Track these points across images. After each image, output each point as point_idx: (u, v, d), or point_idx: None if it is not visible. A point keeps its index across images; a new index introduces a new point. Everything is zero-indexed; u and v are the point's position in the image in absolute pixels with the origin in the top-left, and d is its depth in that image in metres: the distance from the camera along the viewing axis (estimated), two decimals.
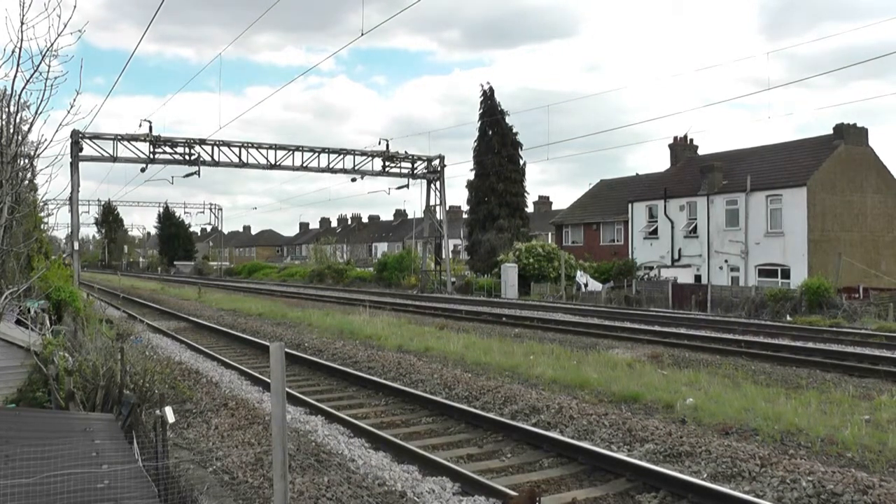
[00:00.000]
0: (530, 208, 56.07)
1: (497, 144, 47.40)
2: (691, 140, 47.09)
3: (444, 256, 45.35)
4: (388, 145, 41.33)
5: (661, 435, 8.52)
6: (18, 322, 10.93)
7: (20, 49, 8.51)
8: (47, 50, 8.54)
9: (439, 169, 43.57)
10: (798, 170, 37.23)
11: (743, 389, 11.25)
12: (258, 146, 38.61)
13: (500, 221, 46.82)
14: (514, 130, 48.21)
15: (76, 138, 33.18)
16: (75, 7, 8.27)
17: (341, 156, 40.35)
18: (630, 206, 45.88)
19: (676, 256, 42.12)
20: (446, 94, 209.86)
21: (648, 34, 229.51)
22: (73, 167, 33.67)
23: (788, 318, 24.64)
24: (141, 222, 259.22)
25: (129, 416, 7.19)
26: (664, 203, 42.95)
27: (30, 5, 8.35)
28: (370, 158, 41.05)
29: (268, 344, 6.10)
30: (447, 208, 47.03)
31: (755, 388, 11.37)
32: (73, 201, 34.78)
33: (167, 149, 36.33)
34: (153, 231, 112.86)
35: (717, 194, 39.76)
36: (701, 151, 46.88)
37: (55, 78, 8.83)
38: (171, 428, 7.66)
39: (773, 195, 37.33)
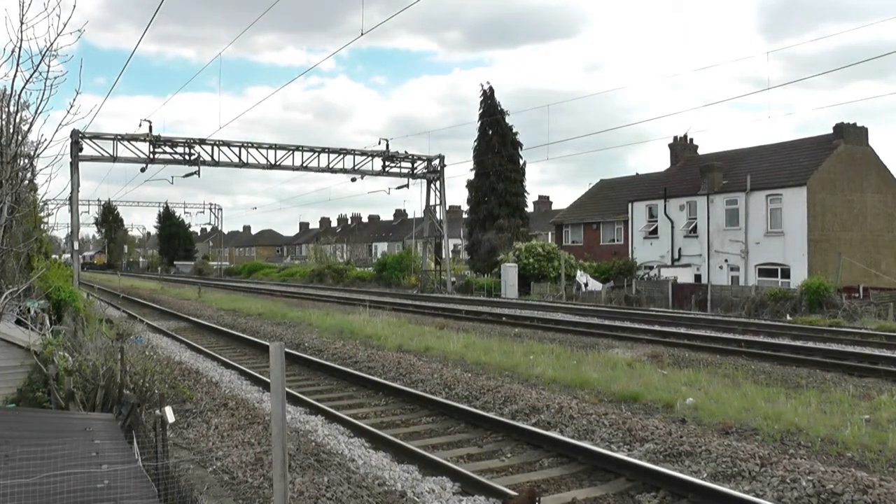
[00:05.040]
0: (530, 208, 56.07)
1: (497, 144, 47.39)
2: (691, 140, 47.15)
3: (444, 256, 45.32)
4: (388, 145, 41.33)
5: (661, 434, 8.52)
6: (18, 322, 10.92)
7: (20, 49, 8.53)
8: (47, 50, 8.57)
9: (439, 169, 43.55)
10: (798, 169, 37.23)
11: (743, 389, 11.24)
12: (258, 146, 38.59)
13: (500, 221, 46.81)
14: (514, 130, 48.23)
15: (76, 138, 33.15)
16: (75, 7, 8.30)
17: (341, 156, 40.33)
18: (630, 205, 45.87)
19: (676, 256, 42.11)
20: (446, 94, 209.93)
21: (648, 34, 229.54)
22: (73, 167, 33.64)
23: (788, 317, 24.62)
24: (141, 222, 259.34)
25: (129, 416, 7.18)
26: (664, 203, 42.94)
27: (30, 5, 8.38)
28: (370, 158, 41.03)
29: (267, 344, 6.10)
30: (447, 208, 46.98)
31: (755, 388, 11.37)
32: (73, 201, 34.76)
33: (167, 149, 36.29)
34: (153, 231, 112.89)
35: (717, 194, 39.76)
36: (701, 151, 46.92)
37: (55, 78, 8.86)
38: (171, 428, 7.66)
39: (772, 195, 37.32)
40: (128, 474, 4.79)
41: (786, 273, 36.06)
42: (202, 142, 36.82)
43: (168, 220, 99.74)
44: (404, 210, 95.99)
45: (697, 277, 39.62)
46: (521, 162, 48.74)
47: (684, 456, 7.87)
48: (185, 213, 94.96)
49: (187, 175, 38.42)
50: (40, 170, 12.55)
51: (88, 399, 8.14)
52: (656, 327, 21.44)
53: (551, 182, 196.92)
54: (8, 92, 9.81)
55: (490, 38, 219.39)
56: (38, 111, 9.32)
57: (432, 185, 43.86)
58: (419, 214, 51.41)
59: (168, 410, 6.19)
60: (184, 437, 9.01)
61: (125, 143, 35.22)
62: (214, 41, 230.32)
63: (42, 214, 18.08)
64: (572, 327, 21.81)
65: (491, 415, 9.87)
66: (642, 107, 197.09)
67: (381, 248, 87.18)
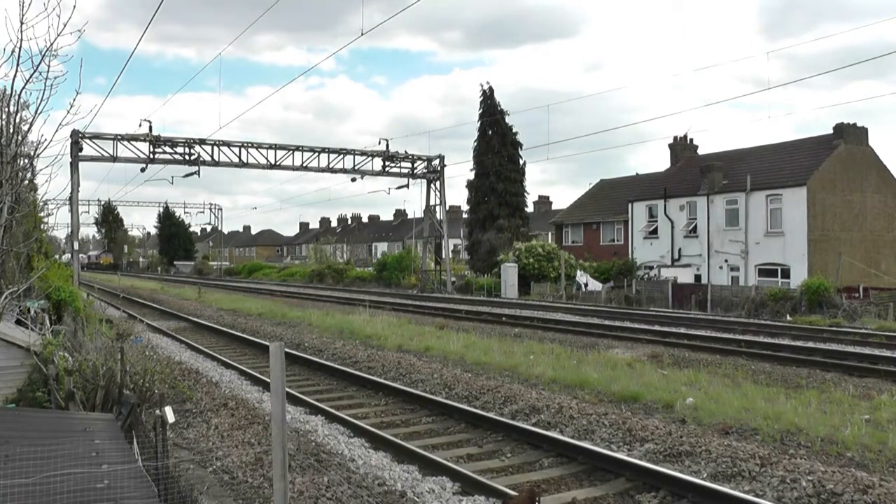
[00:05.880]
0: (530, 208, 56.04)
1: (497, 144, 47.37)
2: (691, 140, 47.15)
3: (444, 256, 45.32)
4: (388, 145, 41.33)
5: (660, 435, 8.52)
6: (18, 322, 10.91)
7: (20, 49, 8.52)
8: (47, 50, 8.56)
9: (439, 169, 43.55)
10: (798, 169, 37.22)
11: (743, 389, 11.24)
12: (258, 146, 38.58)
13: (500, 221, 46.80)
14: (514, 130, 48.19)
15: (76, 138, 33.13)
16: (75, 7, 8.29)
17: (341, 156, 40.32)
18: (630, 205, 45.86)
19: (676, 256, 42.11)
20: (446, 94, 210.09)
21: (648, 34, 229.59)
22: (73, 167, 33.63)
23: (788, 317, 24.62)
24: (141, 222, 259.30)
25: (129, 416, 7.18)
26: (664, 203, 42.94)
27: (30, 5, 8.37)
28: (370, 158, 41.03)
29: (267, 344, 6.10)
30: (447, 208, 46.97)
31: (755, 388, 11.37)
32: (73, 201, 34.75)
33: (167, 149, 36.29)
34: (153, 231, 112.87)
35: (717, 194, 39.75)
36: (701, 151, 46.92)
37: (55, 78, 8.85)
38: (171, 428, 7.65)
39: (772, 195, 37.32)
40: (128, 474, 4.79)
41: (786, 273, 36.06)
42: (202, 142, 36.81)
43: (168, 220, 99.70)
44: (404, 210, 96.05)
45: (697, 277, 39.60)
46: (521, 162, 48.77)
47: (684, 456, 7.87)
48: (185, 213, 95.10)
49: (187, 175, 38.43)
50: (40, 170, 12.55)
51: (88, 399, 8.13)
52: (656, 327, 21.44)
53: (551, 182, 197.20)
54: (8, 92, 9.81)
55: (490, 38, 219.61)
56: (38, 111, 9.31)
57: (432, 185, 43.86)
58: (419, 214, 51.45)
59: (168, 410, 6.19)
60: (184, 437, 9.01)
61: (125, 143, 35.21)
62: (214, 41, 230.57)
63: (42, 214, 18.07)
64: (572, 327, 21.80)
65: (491, 415, 9.87)
66: (642, 107, 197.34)
67: (381, 248, 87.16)
